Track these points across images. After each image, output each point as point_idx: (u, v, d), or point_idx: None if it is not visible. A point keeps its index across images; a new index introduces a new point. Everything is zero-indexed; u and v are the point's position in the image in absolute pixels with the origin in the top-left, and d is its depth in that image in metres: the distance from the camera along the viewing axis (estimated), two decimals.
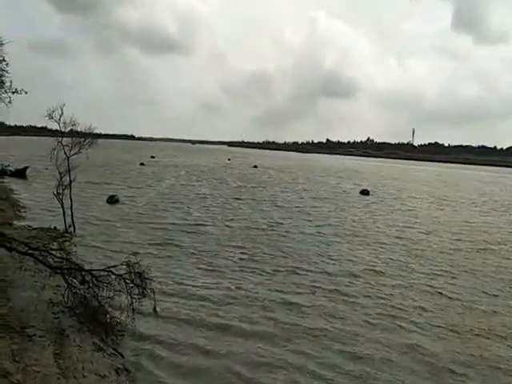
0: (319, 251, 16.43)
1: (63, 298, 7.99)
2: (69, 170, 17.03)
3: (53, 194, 17.32)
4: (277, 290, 11.88)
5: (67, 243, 14.77)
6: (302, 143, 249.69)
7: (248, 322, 9.79)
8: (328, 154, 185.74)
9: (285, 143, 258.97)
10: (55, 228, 16.55)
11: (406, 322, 10.18)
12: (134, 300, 8.06)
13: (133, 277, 8.05)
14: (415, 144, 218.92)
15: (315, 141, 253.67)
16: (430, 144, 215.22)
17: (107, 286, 8.01)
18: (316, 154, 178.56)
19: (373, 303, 11.29)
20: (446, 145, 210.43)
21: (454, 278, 13.95)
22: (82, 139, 17.37)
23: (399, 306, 11.12)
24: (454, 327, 10.03)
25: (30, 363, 6.12)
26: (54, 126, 17.03)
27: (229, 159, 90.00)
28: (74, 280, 8.33)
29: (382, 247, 17.69)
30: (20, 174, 35.53)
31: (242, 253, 15.61)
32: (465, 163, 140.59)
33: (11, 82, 10.20)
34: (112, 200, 25.53)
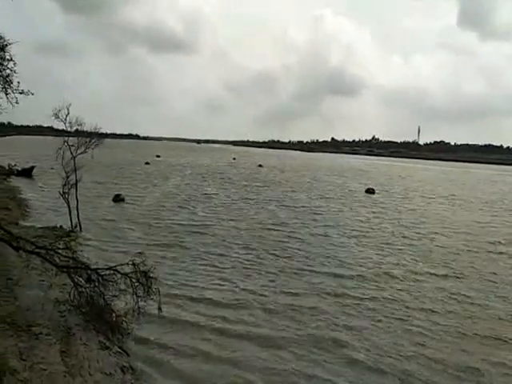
0: (326, 252, 16.22)
1: (69, 296, 8.05)
2: (75, 170, 17.14)
3: (59, 193, 17.44)
4: (283, 292, 11.71)
5: (73, 242, 14.82)
6: (307, 142, 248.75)
7: (252, 325, 9.68)
8: (333, 152, 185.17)
9: (289, 142, 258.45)
10: (61, 227, 16.65)
11: (415, 326, 9.92)
12: (139, 299, 8.08)
13: (138, 276, 8.06)
14: (421, 142, 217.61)
15: (320, 140, 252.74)
16: (435, 142, 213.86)
17: (113, 285, 8.04)
18: (321, 153, 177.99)
19: (381, 306, 11.02)
20: (452, 143, 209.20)
21: (463, 279, 13.66)
22: (88, 139, 17.47)
23: (408, 311, 10.84)
24: (464, 331, 9.79)
25: (37, 361, 6.17)
26: (60, 125, 17.17)
27: (234, 158, 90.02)
28: (80, 279, 8.36)
29: (389, 248, 17.44)
30: (26, 173, 35.79)
31: (247, 253, 15.53)
32: (471, 162, 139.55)
33: (19, 82, 10.25)
34: (117, 199, 25.66)
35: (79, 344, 7.13)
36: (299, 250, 16.45)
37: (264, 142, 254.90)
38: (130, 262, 8.20)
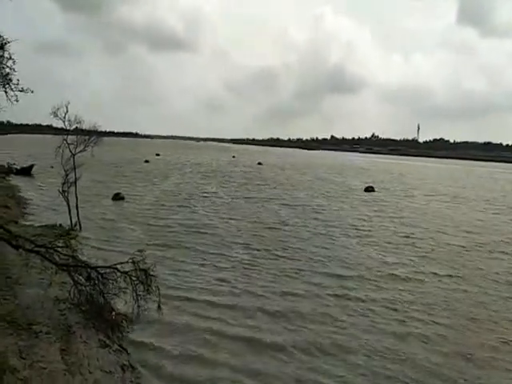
0: (327, 252, 16.03)
1: (69, 294, 8.05)
2: (74, 168, 17.13)
3: (58, 191, 17.43)
4: (283, 294, 11.52)
5: (73, 241, 14.77)
6: (307, 140, 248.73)
7: (252, 328, 9.49)
8: (333, 150, 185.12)
9: (289, 140, 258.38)
10: (61, 225, 16.63)
11: (416, 329, 9.75)
12: (139, 297, 8.08)
13: (138, 274, 8.07)
14: (420, 140, 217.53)
15: (320, 137, 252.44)
16: (435, 140, 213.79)
17: (113, 283, 8.04)
18: (320, 151, 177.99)
19: (382, 308, 10.82)
20: (452, 141, 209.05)
21: (467, 280, 13.39)
22: (87, 137, 17.46)
23: (410, 313, 10.64)
24: (468, 334, 9.62)
25: (37, 359, 6.17)
26: (59, 124, 17.17)
27: (234, 156, 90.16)
28: (80, 277, 8.37)
29: (390, 247, 17.27)
30: (26, 172, 35.82)
31: (247, 253, 15.40)
32: (471, 159, 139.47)
33: (18, 80, 10.25)
34: (117, 198, 25.66)
35: (79, 342, 7.13)
36: (300, 249, 16.30)
37: (264, 141, 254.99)
38: (130, 260, 8.21)
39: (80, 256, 11.36)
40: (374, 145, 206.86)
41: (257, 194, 32.27)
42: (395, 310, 10.84)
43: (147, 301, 8.23)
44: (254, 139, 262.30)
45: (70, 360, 6.51)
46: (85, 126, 17.61)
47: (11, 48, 10.19)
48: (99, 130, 18.59)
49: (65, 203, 17.28)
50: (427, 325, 10.04)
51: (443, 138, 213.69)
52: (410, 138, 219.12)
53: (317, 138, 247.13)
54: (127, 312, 8.49)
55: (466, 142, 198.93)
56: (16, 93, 10.34)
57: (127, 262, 8.25)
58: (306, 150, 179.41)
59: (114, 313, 8.49)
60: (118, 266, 8.21)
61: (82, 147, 17.35)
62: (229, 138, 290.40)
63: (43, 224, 16.70)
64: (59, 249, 8.70)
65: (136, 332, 8.62)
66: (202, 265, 13.79)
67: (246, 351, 8.52)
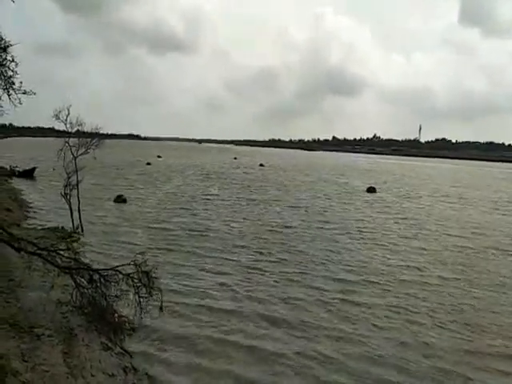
0: (332, 255, 15.79)
1: (71, 297, 8.02)
2: (76, 171, 17.13)
3: (60, 194, 17.43)
4: (286, 299, 11.26)
5: (75, 243, 14.85)
6: (308, 141, 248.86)
7: (253, 336, 9.23)
8: (334, 151, 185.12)
9: (290, 141, 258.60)
10: (63, 228, 16.64)
11: (422, 335, 9.53)
12: (141, 299, 8.06)
13: (140, 276, 8.04)
14: (422, 140, 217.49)
15: (321, 138, 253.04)
16: (437, 140, 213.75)
17: (115, 286, 8.02)
18: (322, 152, 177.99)
19: (387, 313, 10.60)
20: (454, 141, 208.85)
21: (473, 283, 13.17)
22: (89, 139, 17.46)
23: (416, 318, 10.42)
24: (474, 341, 9.38)
25: (39, 362, 6.16)
26: (60, 126, 17.15)
27: (235, 158, 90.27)
28: (82, 279, 8.35)
29: (395, 249, 17.05)
30: (28, 174, 35.87)
31: (250, 256, 15.21)
32: (473, 159, 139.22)
33: (21, 82, 10.26)
34: (119, 200, 25.67)
35: (81, 345, 7.11)
36: (303, 252, 16.09)
37: (265, 141, 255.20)
38: (132, 263, 8.18)
39: (82, 259, 11.38)
40: (375, 145, 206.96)
41: (259, 195, 32.19)
42: (399, 313, 10.64)
43: (149, 303, 8.20)
44: (255, 140, 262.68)
45: (72, 363, 6.50)
46: (86, 129, 17.62)
47: (13, 51, 10.21)
48: (101, 132, 18.56)
49: (67, 206, 17.27)
50: (433, 331, 9.81)
51: (445, 138, 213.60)
52: (412, 138, 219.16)
53: (318, 139, 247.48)
54: (130, 314, 8.47)
55: (468, 142, 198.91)
56: (19, 95, 10.34)
57: (129, 264, 8.24)
58: (308, 151, 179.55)
59: (116, 315, 8.48)
60: (120, 268, 8.19)
61: (83, 150, 17.35)
62: (230, 138, 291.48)
63: (45, 227, 16.72)
64: (61, 251, 8.71)
65: (138, 334, 8.60)
66: (204, 270, 13.52)
67: (248, 359, 8.32)
